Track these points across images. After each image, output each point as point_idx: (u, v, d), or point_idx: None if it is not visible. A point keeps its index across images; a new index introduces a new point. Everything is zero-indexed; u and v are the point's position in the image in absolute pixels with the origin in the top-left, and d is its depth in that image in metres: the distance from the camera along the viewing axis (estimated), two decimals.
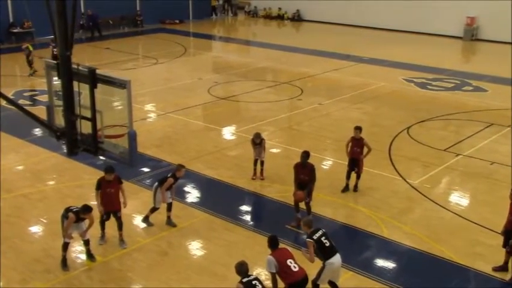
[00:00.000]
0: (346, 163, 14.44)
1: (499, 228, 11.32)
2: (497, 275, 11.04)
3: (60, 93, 9.19)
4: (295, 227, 12.39)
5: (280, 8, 44.75)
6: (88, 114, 9.08)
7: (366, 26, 39.90)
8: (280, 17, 44.84)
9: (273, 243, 9.32)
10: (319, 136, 18.53)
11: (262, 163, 15.03)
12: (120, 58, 30.05)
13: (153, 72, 27.48)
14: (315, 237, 9.54)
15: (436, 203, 13.93)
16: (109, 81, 9.05)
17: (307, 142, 17.52)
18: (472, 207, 14.03)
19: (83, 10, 35.53)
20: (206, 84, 24.78)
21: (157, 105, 21.86)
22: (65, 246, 10.90)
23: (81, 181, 14.62)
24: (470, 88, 25.06)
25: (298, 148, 15.56)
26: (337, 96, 23.24)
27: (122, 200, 11.77)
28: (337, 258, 9.58)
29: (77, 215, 10.67)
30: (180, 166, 12.49)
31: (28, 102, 21.28)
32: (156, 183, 12.43)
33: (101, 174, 11.69)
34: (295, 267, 9.07)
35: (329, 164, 16.41)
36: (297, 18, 43.93)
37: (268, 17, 45.45)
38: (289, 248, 9.91)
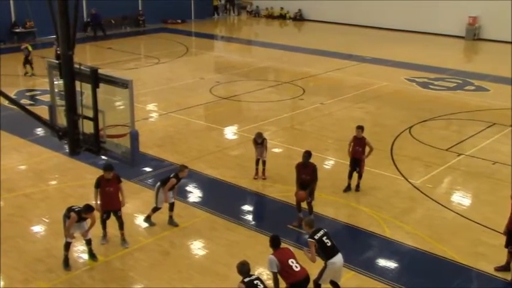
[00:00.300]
0: (348, 163, 14.43)
1: (501, 228, 11.30)
2: (500, 275, 11.03)
3: (63, 92, 9.20)
4: (297, 227, 12.38)
5: (282, 8, 44.76)
6: (90, 114, 9.09)
7: (368, 25, 39.87)
8: (282, 17, 44.83)
9: (274, 243, 9.32)
10: (321, 136, 18.53)
11: (264, 163, 15.03)
12: (122, 58, 30.06)
13: (155, 72, 27.48)
14: (316, 237, 9.54)
15: (438, 203, 13.92)
16: (111, 81, 9.05)
17: (309, 142, 17.52)
18: (474, 207, 14.01)
19: (85, 9, 35.54)
20: (208, 83, 24.79)
21: (159, 104, 21.87)
22: (67, 246, 10.92)
23: (83, 181, 14.63)
24: (473, 88, 25.03)
25: (300, 148, 15.55)
26: (339, 95, 23.23)
27: (120, 199, 11.76)
28: (338, 258, 9.58)
29: (79, 215, 10.68)
30: (183, 167, 12.50)
31: (30, 102, 21.30)
32: (159, 183, 12.43)
33: None
34: (296, 266, 9.07)
35: (331, 163, 16.41)
36: (299, 18, 43.92)
37: (270, 16, 45.45)
38: (291, 248, 9.91)
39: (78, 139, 9.30)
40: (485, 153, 17.04)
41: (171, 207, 12.55)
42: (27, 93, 22.95)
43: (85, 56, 30.13)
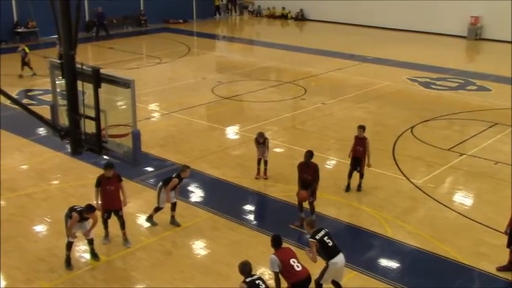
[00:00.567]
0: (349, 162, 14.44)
1: (503, 228, 11.29)
2: (502, 275, 11.02)
3: (64, 92, 9.20)
4: (299, 227, 12.37)
5: (283, 8, 44.75)
6: (92, 113, 9.09)
7: (369, 25, 39.84)
8: (283, 17, 44.82)
9: (276, 243, 9.32)
10: (322, 135, 18.52)
11: (265, 162, 15.03)
12: (124, 58, 30.08)
13: (157, 72, 27.50)
14: (317, 237, 9.53)
15: (440, 203, 13.91)
16: (113, 81, 9.05)
17: (311, 142, 17.51)
18: (476, 206, 14.00)
19: (87, 9, 35.61)
20: (210, 83, 24.80)
21: (161, 104, 21.88)
22: (69, 246, 10.92)
23: (85, 180, 14.64)
24: (474, 87, 25.01)
25: (301, 148, 15.55)
26: (340, 95, 23.22)
27: (122, 198, 11.77)
28: (340, 258, 9.57)
29: (81, 215, 10.69)
30: (185, 167, 12.50)
31: (32, 102, 21.31)
32: (161, 183, 12.44)
33: None
34: (298, 266, 9.07)
35: (333, 163, 16.40)
36: (301, 18, 43.90)
37: (272, 16, 45.44)
38: (293, 248, 9.91)
39: (80, 139, 9.30)
40: (487, 153, 17.03)
41: (173, 207, 12.56)
42: (29, 93, 22.96)
43: (87, 55, 30.16)
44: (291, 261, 9.09)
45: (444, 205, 13.81)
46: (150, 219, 12.66)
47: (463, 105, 21.96)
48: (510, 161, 16.29)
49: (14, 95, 21.50)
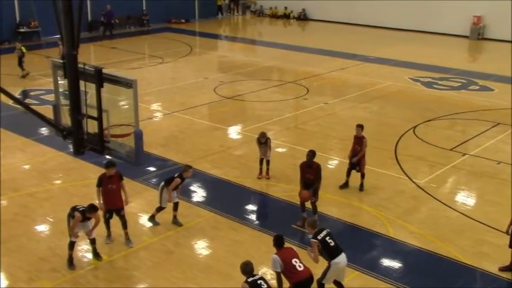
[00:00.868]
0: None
1: (505, 228, 11.28)
2: (504, 275, 11.01)
3: (67, 92, 9.22)
4: (301, 227, 12.36)
5: (286, 7, 44.72)
6: (94, 113, 9.10)
7: (372, 25, 39.83)
8: (286, 16, 44.80)
9: (278, 243, 9.32)
10: (325, 135, 18.52)
11: (267, 162, 15.03)
12: (127, 57, 30.11)
13: (159, 72, 27.53)
14: (319, 237, 9.53)
15: (442, 203, 13.89)
16: (115, 81, 9.06)
17: (313, 141, 17.51)
18: (479, 206, 13.99)
19: (89, 9, 35.69)
20: (212, 83, 24.80)
21: (163, 104, 21.90)
22: (71, 245, 10.94)
23: (87, 180, 14.66)
24: (477, 87, 24.98)
25: (304, 147, 15.54)
26: (343, 95, 23.22)
27: (123, 197, 11.78)
28: (342, 258, 9.57)
29: (83, 214, 10.71)
30: (188, 167, 12.51)
31: (35, 102, 21.33)
32: (163, 183, 12.45)
33: None
34: (300, 266, 9.07)
35: (335, 163, 16.39)
36: (303, 18, 43.89)
37: (274, 16, 45.43)
38: (295, 248, 9.91)
39: (82, 139, 9.32)
40: (489, 153, 17.01)
41: (175, 206, 12.57)
42: (32, 93, 22.99)
43: (89, 55, 30.17)
44: (293, 261, 9.09)
45: (446, 205, 13.80)
46: (152, 219, 12.67)
47: (466, 105, 21.94)
48: (511, 161, 16.28)
49: (16, 94, 21.57)
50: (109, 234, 11.90)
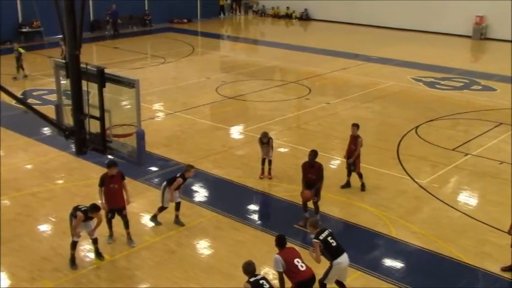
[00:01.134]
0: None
1: (507, 228, 11.26)
2: (506, 275, 11.00)
3: (69, 92, 9.23)
4: (303, 227, 12.36)
5: (288, 7, 44.72)
6: (96, 113, 9.11)
7: (374, 25, 39.80)
8: (288, 16, 44.80)
9: (280, 243, 9.33)
10: (327, 135, 18.51)
11: (270, 162, 15.03)
12: (129, 57, 30.13)
13: (161, 72, 27.53)
14: (321, 238, 9.53)
15: (445, 203, 13.88)
16: (117, 81, 9.06)
17: (315, 141, 17.50)
18: (481, 206, 13.97)
19: (91, 9, 35.73)
20: (214, 83, 24.81)
21: (165, 104, 21.91)
22: (74, 245, 10.95)
23: (89, 180, 14.67)
24: (479, 87, 24.96)
25: (306, 147, 15.54)
26: (345, 95, 23.21)
27: (125, 197, 11.78)
28: (344, 258, 9.57)
29: (86, 214, 10.72)
30: (190, 167, 12.52)
31: (37, 101, 21.35)
32: (165, 183, 12.45)
33: None
34: (302, 266, 9.07)
35: (337, 163, 16.37)
36: (305, 18, 43.89)
37: (276, 16, 45.44)
38: (297, 248, 9.92)
39: (84, 138, 9.33)
40: (492, 153, 16.99)
41: (177, 206, 12.57)
42: (34, 93, 23.01)
43: (92, 55, 30.20)
44: (295, 261, 9.09)
45: (449, 205, 13.78)
46: (154, 218, 12.68)
47: (468, 105, 21.91)
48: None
49: (19, 94, 21.58)
50: (111, 234, 11.91)
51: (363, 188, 14.39)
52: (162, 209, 12.52)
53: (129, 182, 12.12)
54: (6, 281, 10.66)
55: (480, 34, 36.11)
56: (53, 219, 12.93)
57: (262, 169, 15.10)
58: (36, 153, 16.81)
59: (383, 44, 34.17)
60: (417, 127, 19.19)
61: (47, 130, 18.09)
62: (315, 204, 12.57)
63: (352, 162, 14.18)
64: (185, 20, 41.84)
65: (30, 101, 20.93)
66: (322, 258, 9.57)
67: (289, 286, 9.12)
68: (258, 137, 15.09)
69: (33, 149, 17.09)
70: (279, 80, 26.20)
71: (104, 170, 11.82)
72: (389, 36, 37.17)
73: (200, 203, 13.79)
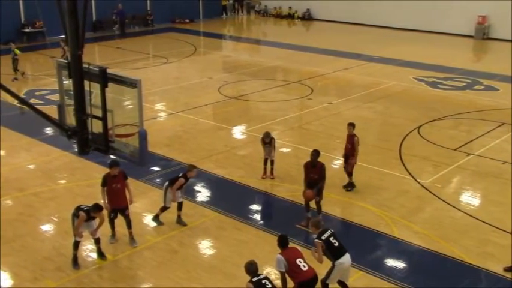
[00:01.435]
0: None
1: (510, 228, 11.25)
2: (508, 275, 10.98)
3: (71, 92, 9.24)
4: (305, 227, 12.34)
5: (290, 7, 44.71)
6: (99, 113, 9.12)
7: (376, 25, 39.75)
8: (290, 16, 44.78)
9: (282, 243, 9.32)
10: (329, 135, 18.50)
11: (272, 162, 15.03)
12: (131, 57, 30.16)
13: (164, 72, 27.55)
14: (323, 238, 9.52)
15: (447, 203, 13.87)
16: (120, 81, 9.08)
17: (317, 141, 17.49)
18: (483, 206, 13.96)
19: (93, 9, 35.79)
20: (216, 83, 24.82)
21: (167, 104, 21.92)
22: (76, 245, 10.96)
23: (92, 180, 14.69)
24: (482, 87, 24.93)
25: (308, 147, 15.53)
26: (347, 95, 23.19)
27: (128, 197, 11.80)
28: (346, 258, 9.57)
29: (88, 214, 10.73)
30: (192, 167, 12.52)
31: (40, 101, 21.38)
32: (167, 183, 12.46)
33: None
34: (304, 266, 9.07)
35: (339, 163, 16.32)
36: (307, 17, 43.87)
37: (279, 16, 45.42)
38: (299, 248, 9.92)
39: (87, 138, 9.35)
40: (494, 153, 16.97)
41: (180, 206, 12.58)
42: (37, 93, 23.04)
43: (94, 55, 30.24)
44: (297, 261, 9.09)
45: (451, 205, 13.77)
46: (156, 218, 12.69)
47: (470, 105, 21.89)
48: None
49: (21, 94, 21.63)
50: (113, 234, 11.93)
51: (348, 186, 14.30)
52: (164, 208, 12.53)
53: (131, 182, 12.13)
54: (8, 281, 10.68)
55: (482, 34, 36.06)
56: (55, 219, 12.94)
57: (265, 169, 15.10)
58: (39, 153, 16.84)
59: (385, 44, 34.15)
60: (419, 127, 19.18)
61: (49, 130, 18.11)
62: (317, 204, 12.57)
63: (346, 160, 14.14)
64: (187, 20, 41.86)
65: (32, 100, 20.97)
66: (324, 258, 9.57)
67: (292, 286, 9.12)
68: (260, 137, 15.09)
69: (35, 149, 17.11)
70: (281, 80, 26.20)
71: (106, 170, 11.83)
72: (391, 36, 37.14)
73: (202, 203, 13.80)
